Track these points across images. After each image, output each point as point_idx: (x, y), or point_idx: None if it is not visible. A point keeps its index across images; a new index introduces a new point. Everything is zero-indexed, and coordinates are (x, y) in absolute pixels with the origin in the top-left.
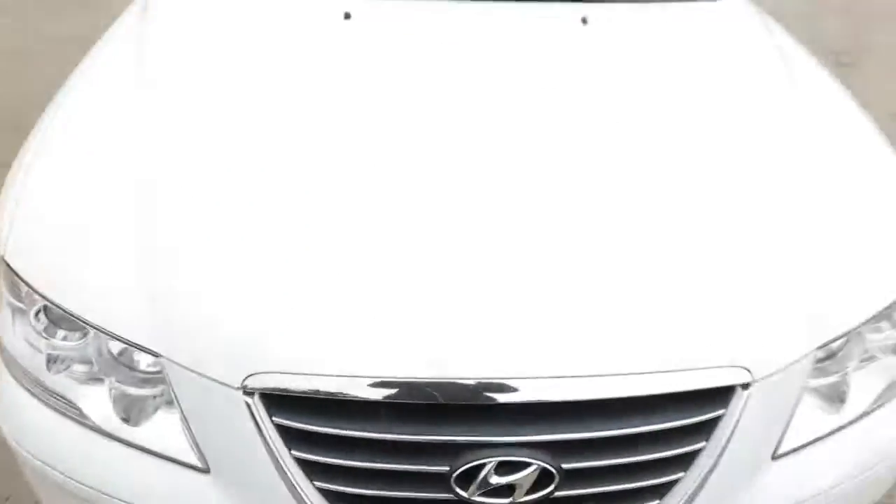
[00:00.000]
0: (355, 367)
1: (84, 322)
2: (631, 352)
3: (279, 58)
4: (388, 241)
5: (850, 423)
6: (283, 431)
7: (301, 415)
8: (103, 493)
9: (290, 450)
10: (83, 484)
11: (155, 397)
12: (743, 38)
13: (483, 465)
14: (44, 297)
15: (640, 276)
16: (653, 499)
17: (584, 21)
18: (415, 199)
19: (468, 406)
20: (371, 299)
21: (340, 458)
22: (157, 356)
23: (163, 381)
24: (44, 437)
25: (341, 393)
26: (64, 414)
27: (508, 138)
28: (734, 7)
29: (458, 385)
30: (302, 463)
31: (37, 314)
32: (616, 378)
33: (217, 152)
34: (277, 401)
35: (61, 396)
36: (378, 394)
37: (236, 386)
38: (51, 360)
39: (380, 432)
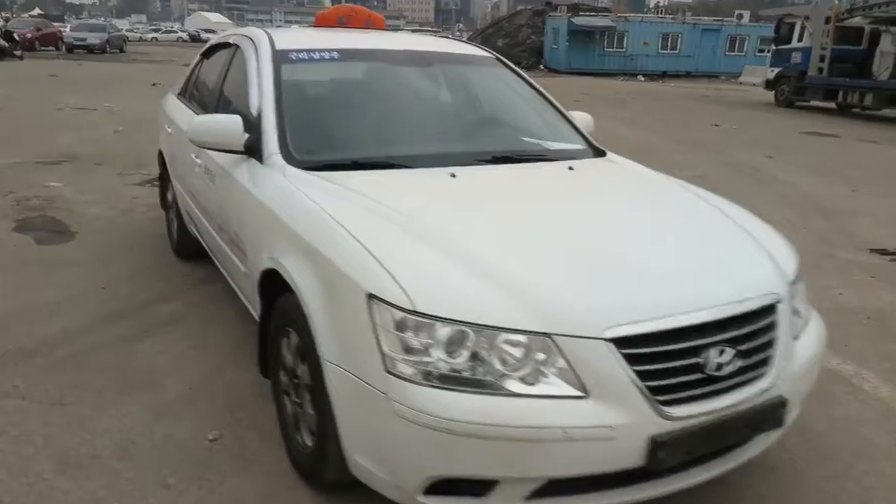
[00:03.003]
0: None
1: (490, 328)
2: (741, 294)
3: (430, 191)
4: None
5: (805, 325)
6: (628, 357)
7: (635, 347)
8: (519, 427)
9: (630, 366)
10: (498, 425)
11: (538, 370)
12: (637, 170)
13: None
14: (455, 322)
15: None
16: (768, 364)
17: (571, 168)
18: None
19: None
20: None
21: (656, 364)
22: (546, 335)
23: (524, 362)
24: (457, 406)
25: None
26: (475, 393)
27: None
28: (619, 159)
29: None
30: (638, 372)
31: (443, 341)
32: (742, 302)
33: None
34: (622, 341)
35: (475, 382)
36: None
37: (600, 338)
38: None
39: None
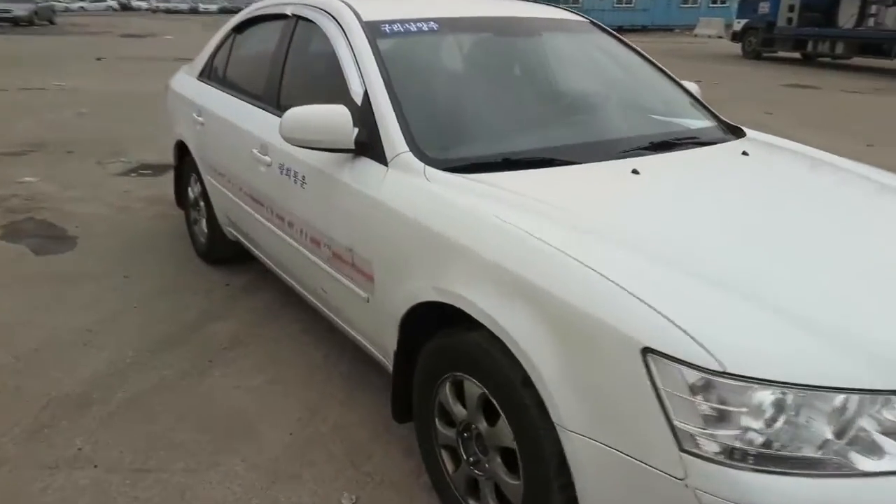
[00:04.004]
0: None
1: (823, 389)
2: None
3: (630, 196)
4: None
5: None
6: None
7: None
8: None
9: None
10: None
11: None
12: (812, 153)
13: None
14: (777, 384)
15: None
16: None
17: (745, 153)
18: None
19: None
20: None
21: None
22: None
23: (856, 429)
24: (795, 494)
25: None
26: (814, 475)
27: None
28: (769, 137)
29: None
30: None
31: (763, 410)
32: None
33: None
34: None
35: (809, 461)
36: None
37: None
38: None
39: None
